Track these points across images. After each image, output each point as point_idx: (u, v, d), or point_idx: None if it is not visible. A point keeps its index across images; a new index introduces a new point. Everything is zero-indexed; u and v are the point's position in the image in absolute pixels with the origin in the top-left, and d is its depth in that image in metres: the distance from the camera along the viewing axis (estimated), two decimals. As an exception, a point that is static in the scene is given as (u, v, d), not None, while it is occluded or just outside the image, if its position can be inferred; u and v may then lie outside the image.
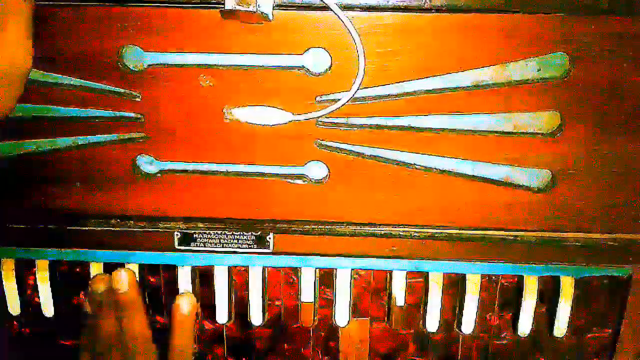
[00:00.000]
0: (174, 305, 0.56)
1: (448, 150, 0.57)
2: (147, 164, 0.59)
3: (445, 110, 0.55)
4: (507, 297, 0.64)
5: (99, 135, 0.58)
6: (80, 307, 0.65)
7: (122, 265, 0.63)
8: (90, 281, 0.57)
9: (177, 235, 0.61)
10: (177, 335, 0.56)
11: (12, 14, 0.42)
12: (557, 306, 0.62)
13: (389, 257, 0.61)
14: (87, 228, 0.61)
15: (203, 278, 0.64)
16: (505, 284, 0.63)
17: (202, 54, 0.54)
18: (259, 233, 0.61)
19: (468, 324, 0.63)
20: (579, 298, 0.62)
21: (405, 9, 0.52)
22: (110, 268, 0.63)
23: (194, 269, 0.64)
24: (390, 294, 0.64)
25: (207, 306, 0.65)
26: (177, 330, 0.56)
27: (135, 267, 0.63)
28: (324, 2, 0.51)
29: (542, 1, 0.51)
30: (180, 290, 0.64)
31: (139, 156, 0.59)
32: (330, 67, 0.54)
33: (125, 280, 0.55)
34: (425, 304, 0.63)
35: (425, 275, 0.63)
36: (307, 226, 0.60)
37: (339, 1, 0.51)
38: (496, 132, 0.56)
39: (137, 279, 0.63)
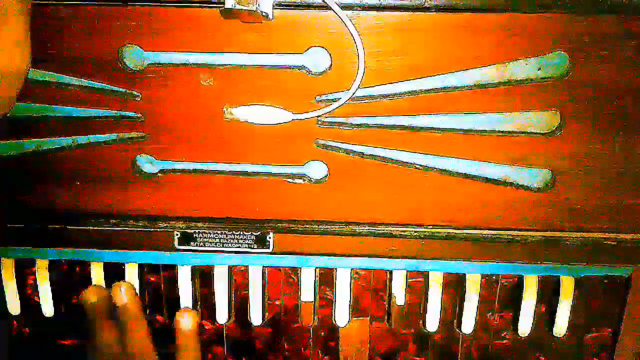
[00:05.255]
0: (175, 322, 0.55)
1: (448, 149, 0.57)
2: (147, 164, 0.59)
3: (445, 110, 0.55)
4: (507, 296, 0.63)
5: (98, 135, 0.58)
6: (80, 308, 0.66)
7: (122, 264, 0.63)
8: (82, 293, 0.56)
9: (177, 234, 0.61)
10: (182, 353, 0.55)
11: (9, 13, 0.42)
12: (557, 306, 0.62)
13: (388, 257, 0.61)
14: (87, 227, 0.61)
15: (203, 278, 0.64)
16: (505, 283, 0.63)
17: (202, 54, 0.54)
18: (258, 233, 0.61)
19: (468, 324, 0.63)
20: (579, 298, 0.62)
21: (406, 9, 0.52)
22: (110, 268, 0.64)
23: (193, 269, 0.64)
24: (390, 294, 0.64)
25: (207, 306, 0.65)
26: (181, 348, 0.55)
27: (135, 267, 0.63)
28: (324, 1, 0.51)
29: (542, 0, 0.51)
30: (181, 290, 0.64)
31: (138, 156, 0.59)
32: (330, 67, 0.54)
33: (124, 293, 0.54)
34: (425, 303, 0.63)
35: (425, 275, 0.63)
36: (307, 226, 0.60)
37: (339, 0, 0.51)
38: (496, 131, 0.56)
39: (137, 283, 0.64)
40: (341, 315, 0.64)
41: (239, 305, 0.65)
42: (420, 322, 0.65)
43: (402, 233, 0.60)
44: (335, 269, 0.63)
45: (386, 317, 0.65)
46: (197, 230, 0.61)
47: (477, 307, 0.63)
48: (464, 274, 0.62)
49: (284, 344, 0.67)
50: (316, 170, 0.59)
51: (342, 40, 0.53)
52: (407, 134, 0.56)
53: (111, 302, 0.55)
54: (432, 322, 0.64)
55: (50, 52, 0.54)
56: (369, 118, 0.56)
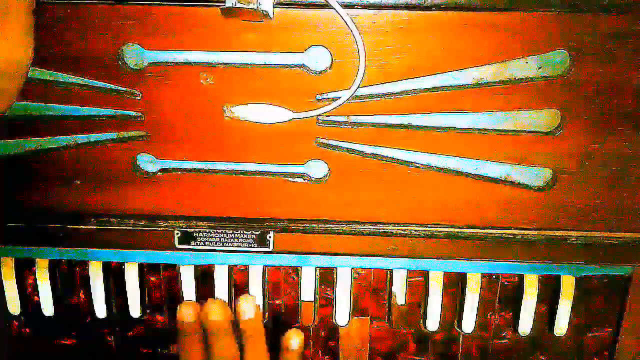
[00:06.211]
0: (282, 341, 0.52)
1: (448, 148, 0.57)
2: (148, 163, 0.59)
3: (445, 109, 0.55)
4: (508, 296, 0.63)
5: (99, 134, 0.58)
6: (79, 307, 0.66)
7: (122, 264, 0.63)
8: (205, 306, 0.50)
9: (177, 234, 0.61)
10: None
11: (12, 9, 0.42)
12: (557, 305, 0.62)
13: (389, 256, 0.61)
14: (87, 227, 0.61)
15: (203, 277, 0.64)
16: (506, 282, 0.63)
17: (203, 52, 0.54)
18: (259, 232, 0.61)
19: (468, 323, 0.63)
20: (579, 297, 0.62)
21: (406, 7, 0.52)
22: (110, 267, 0.64)
23: (194, 268, 0.64)
24: (390, 293, 0.64)
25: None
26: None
27: (135, 267, 0.63)
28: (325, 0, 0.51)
29: (543, -1, 0.51)
30: (184, 289, 0.63)
31: (139, 155, 0.59)
32: (330, 66, 0.54)
33: (251, 307, 0.50)
34: (426, 303, 0.63)
35: (425, 274, 0.63)
36: (308, 225, 0.60)
37: (339, -1, 0.51)
38: (496, 130, 0.56)
39: (137, 283, 0.64)
40: (341, 315, 0.64)
41: (239, 305, 0.65)
42: (421, 321, 0.65)
43: (402, 232, 0.60)
44: (336, 268, 0.63)
45: (386, 316, 0.65)
46: (197, 230, 0.61)
47: (477, 307, 0.63)
48: (465, 273, 0.62)
49: (284, 344, 0.66)
50: (316, 169, 0.59)
51: (342, 39, 0.53)
52: (408, 132, 0.56)
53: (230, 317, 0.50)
54: (433, 322, 0.64)
55: (51, 50, 0.54)
56: (369, 117, 0.56)
